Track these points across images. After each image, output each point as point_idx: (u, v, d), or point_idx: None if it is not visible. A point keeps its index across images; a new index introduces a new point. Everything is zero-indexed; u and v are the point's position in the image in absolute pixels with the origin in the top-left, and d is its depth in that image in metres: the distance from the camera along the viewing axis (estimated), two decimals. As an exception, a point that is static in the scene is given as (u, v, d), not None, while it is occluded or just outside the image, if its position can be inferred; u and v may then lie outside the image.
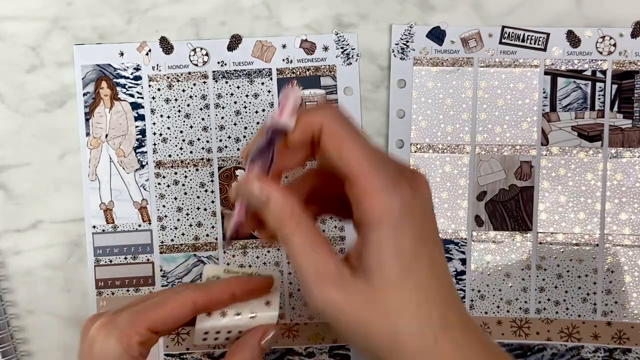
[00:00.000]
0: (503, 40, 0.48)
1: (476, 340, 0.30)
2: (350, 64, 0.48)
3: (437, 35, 0.48)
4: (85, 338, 0.34)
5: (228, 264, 0.48)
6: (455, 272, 0.48)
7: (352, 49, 0.48)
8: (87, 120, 0.48)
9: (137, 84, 0.48)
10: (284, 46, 0.48)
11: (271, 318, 0.36)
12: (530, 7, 0.48)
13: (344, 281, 0.30)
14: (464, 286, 0.48)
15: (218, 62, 0.48)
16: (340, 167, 0.30)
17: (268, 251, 0.48)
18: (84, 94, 0.48)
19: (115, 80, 0.48)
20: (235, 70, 0.48)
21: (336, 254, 0.30)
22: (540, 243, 0.48)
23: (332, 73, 0.48)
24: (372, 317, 0.29)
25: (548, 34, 0.48)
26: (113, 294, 0.48)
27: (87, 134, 0.48)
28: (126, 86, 0.48)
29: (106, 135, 0.48)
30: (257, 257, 0.48)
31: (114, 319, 0.33)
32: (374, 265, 0.29)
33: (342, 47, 0.48)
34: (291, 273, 0.48)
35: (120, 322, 0.33)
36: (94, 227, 0.48)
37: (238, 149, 0.48)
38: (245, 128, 0.48)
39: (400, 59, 0.48)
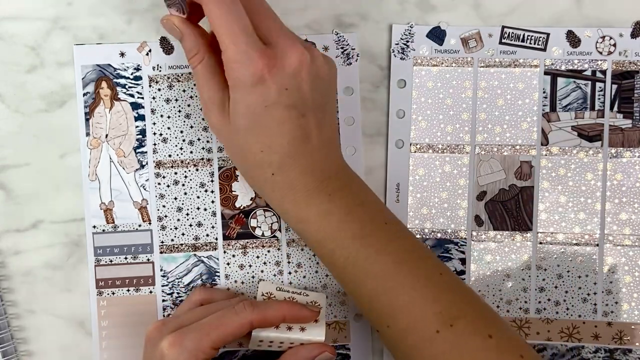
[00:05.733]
0: (503, 40, 0.48)
1: (308, 182, 0.39)
2: (350, 64, 0.48)
3: (437, 35, 0.48)
4: (154, 348, 0.39)
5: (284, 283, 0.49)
6: (455, 272, 0.48)
7: (352, 49, 0.48)
8: (87, 120, 0.48)
9: (137, 84, 0.48)
10: (284, 46, 0.48)
11: (318, 333, 0.42)
12: (530, 7, 0.48)
13: (224, 111, 0.39)
14: (464, 286, 0.48)
15: (218, 62, 0.48)
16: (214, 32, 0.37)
17: (268, 251, 0.48)
18: (84, 94, 0.48)
19: (115, 80, 0.48)
20: (235, 70, 0.48)
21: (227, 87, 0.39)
22: (540, 243, 0.48)
23: (332, 73, 0.48)
24: (233, 146, 0.40)
25: (548, 34, 0.48)
26: (113, 294, 0.48)
27: (87, 134, 0.48)
28: (126, 86, 0.48)
29: (106, 135, 0.48)
30: (257, 257, 0.48)
31: (183, 339, 0.38)
32: (232, 114, 0.39)
33: (342, 47, 0.48)
34: (291, 273, 0.48)
35: (189, 344, 0.38)
36: (94, 227, 0.48)
37: (238, 149, 0.48)
38: (245, 128, 0.48)
39: (400, 59, 0.48)
